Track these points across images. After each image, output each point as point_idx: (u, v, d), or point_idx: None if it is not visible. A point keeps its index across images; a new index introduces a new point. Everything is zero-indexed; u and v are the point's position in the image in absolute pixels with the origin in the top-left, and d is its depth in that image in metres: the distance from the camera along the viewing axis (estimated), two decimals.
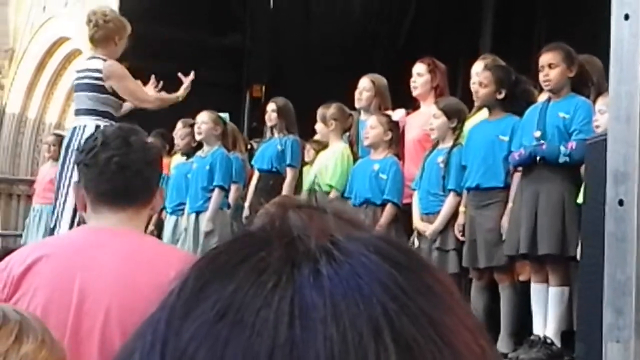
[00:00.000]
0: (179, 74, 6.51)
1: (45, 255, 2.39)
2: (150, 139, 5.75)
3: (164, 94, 6.23)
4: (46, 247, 2.54)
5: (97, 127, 5.77)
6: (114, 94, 5.85)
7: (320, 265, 0.48)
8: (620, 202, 2.71)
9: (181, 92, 6.44)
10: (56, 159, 9.39)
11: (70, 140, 5.86)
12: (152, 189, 2.56)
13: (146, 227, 8.39)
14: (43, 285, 2.33)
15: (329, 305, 0.46)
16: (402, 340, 0.46)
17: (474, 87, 5.96)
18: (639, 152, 2.66)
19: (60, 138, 9.87)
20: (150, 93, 6.13)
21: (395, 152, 6.62)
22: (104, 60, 5.87)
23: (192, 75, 6.54)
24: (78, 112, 5.99)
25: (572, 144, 5.10)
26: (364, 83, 6.97)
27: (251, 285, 0.48)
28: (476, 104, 6.07)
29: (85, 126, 5.79)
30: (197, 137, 7.83)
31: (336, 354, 0.45)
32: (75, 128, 5.92)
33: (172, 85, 6.56)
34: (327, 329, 0.45)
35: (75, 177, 3.43)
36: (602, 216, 2.76)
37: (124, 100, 5.97)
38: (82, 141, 5.65)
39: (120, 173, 2.46)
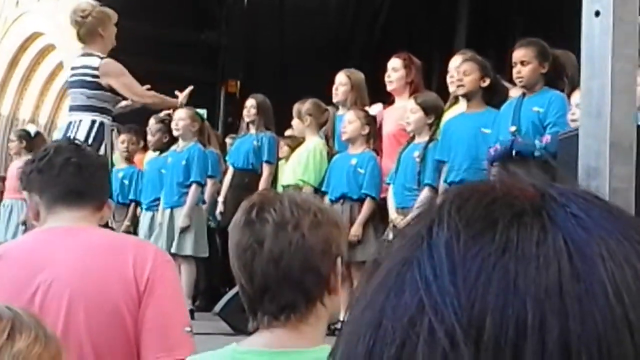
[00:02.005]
0: (176, 92, 6.53)
1: (1, 258, 2.43)
2: (108, 130, 5.80)
3: (163, 96, 6.23)
4: (1, 249, 2.60)
5: (93, 122, 5.77)
6: (111, 89, 5.85)
7: (571, 209, 0.52)
8: None
9: (181, 99, 6.46)
10: (20, 155, 9.37)
11: (65, 135, 5.84)
12: (105, 192, 2.63)
13: (121, 224, 8.37)
14: (1, 286, 2.36)
15: (601, 243, 0.50)
16: None
17: (452, 79, 5.95)
18: (609, 147, 2.68)
19: (23, 134, 9.84)
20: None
21: (373, 146, 6.64)
22: (101, 58, 5.86)
23: (189, 89, 6.55)
24: (73, 109, 5.98)
25: (547, 138, 5.14)
26: (340, 78, 6.99)
27: (518, 225, 0.51)
28: (453, 95, 6.07)
29: (81, 121, 5.80)
30: (175, 134, 7.81)
31: (620, 285, 0.49)
32: (70, 123, 5.91)
33: (146, 81, 6.55)
34: (605, 263, 0.49)
35: None
36: None
37: (121, 97, 5.96)
38: (77, 135, 5.66)
39: (78, 173, 2.50)
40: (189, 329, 2.40)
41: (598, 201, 0.54)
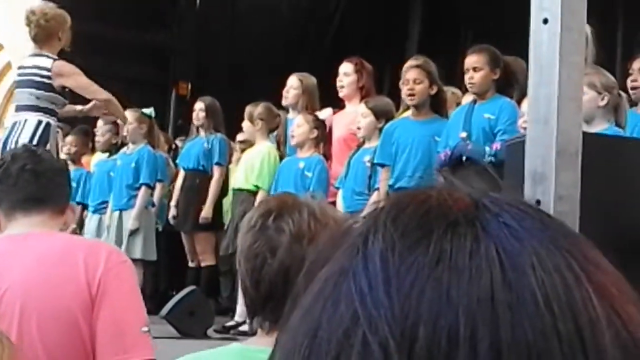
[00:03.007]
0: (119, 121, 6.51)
1: None
2: (54, 131, 5.74)
3: (116, 103, 6.16)
4: None
5: (39, 122, 5.71)
6: (61, 92, 5.79)
7: (504, 219, 0.52)
8: (538, 202, 2.75)
9: (127, 123, 6.44)
10: None
11: (9, 135, 5.78)
12: (65, 196, 2.61)
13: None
14: None
15: (532, 252, 0.51)
16: (596, 287, 0.51)
17: (405, 87, 5.98)
18: (555, 154, 2.71)
19: None
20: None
21: (322, 151, 6.64)
22: (53, 59, 5.81)
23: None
24: (19, 108, 5.92)
25: (497, 145, 5.17)
26: (292, 81, 6.98)
27: (452, 235, 0.51)
28: (408, 103, 6.08)
29: (26, 120, 5.73)
30: (126, 139, 7.75)
31: (549, 294, 0.49)
32: (15, 122, 5.84)
33: (97, 83, 6.49)
34: (536, 272, 0.50)
35: None
36: None
37: (80, 97, 5.92)
38: (22, 135, 5.60)
39: (34, 180, 2.50)
40: (146, 328, 2.35)
41: (531, 210, 0.54)
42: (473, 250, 0.51)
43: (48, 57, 5.85)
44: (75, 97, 6.12)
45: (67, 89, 5.90)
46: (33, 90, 5.80)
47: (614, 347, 0.49)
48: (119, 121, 6.72)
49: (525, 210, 0.54)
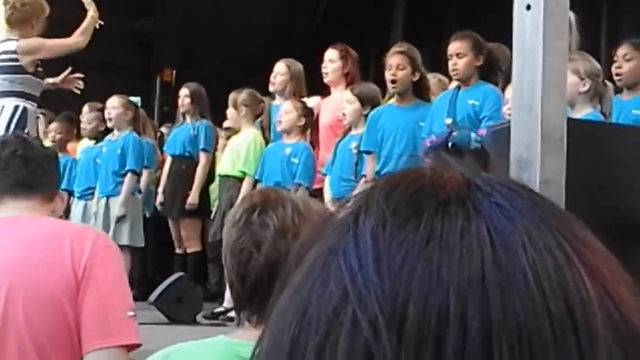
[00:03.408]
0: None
1: None
2: (32, 115, 5.70)
3: (82, 27, 6.10)
4: None
5: (16, 107, 5.69)
6: (33, 73, 5.76)
7: (495, 198, 0.52)
8: None
9: (90, 11, 6.31)
10: None
11: None
12: (54, 183, 2.62)
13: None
14: None
15: (523, 232, 0.51)
16: (587, 267, 0.51)
17: (389, 72, 5.99)
18: (540, 140, 2.74)
19: None
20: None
21: (309, 138, 6.66)
22: (16, 40, 5.78)
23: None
24: None
25: (483, 131, 5.17)
26: (279, 67, 6.98)
27: (443, 214, 0.51)
28: (390, 89, 6.10)
29: (3, 106, 5.70)
30: (109, 124, 7.73)
31: (540, 274, 0.49)
32: None
33: (81, 70, 6.48)
34: (527, 251, 0.50)
35: None
36: None
37: (45, 79, 5.88)
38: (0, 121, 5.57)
39: (25, 165, 2.52)
40: (132, 313, 2.36)
41: (522, 190, 0.55)
42: (464, 229, 0.51)
43: (13, 40, 5.81)
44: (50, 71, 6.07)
45: (40, 68, 5.87)
46: (5, 76, 5.77)
47: (605, 328, 0.49)
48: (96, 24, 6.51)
49: (517, 190, 0.54)
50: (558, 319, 0.49)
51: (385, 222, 0.52)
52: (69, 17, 6.15)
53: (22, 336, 2.28)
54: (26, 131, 5.50)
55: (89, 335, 2.30)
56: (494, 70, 5.55)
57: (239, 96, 7.13)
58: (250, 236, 1.77)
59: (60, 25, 6.09)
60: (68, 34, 6.10)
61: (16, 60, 5.73)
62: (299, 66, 7.02)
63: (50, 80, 6.07)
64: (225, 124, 7.80)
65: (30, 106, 5.80)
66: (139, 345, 2.38)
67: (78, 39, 5.97)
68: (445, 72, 5.99)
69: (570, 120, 2.88)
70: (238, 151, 7.02)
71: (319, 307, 0.50)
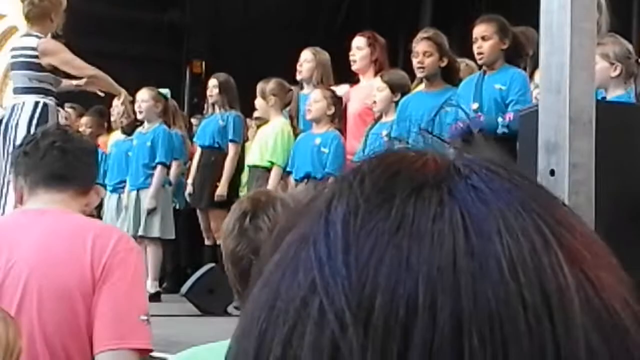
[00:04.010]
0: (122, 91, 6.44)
1: None
2: (53, 111, 5.73)
3: (107, 79, 6.13)
4: None
5: (37, 103, 5.73)
6: (52, 71, 5.80)
7: (472, 181, 0.50)
8: (552, 172, 2.74)
9: (122, 95, 6.37)
10: None
11: (10, 118, 5.80)
12: (91, 177, 2.62)
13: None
14: None
15: (499, 217, 0.48)
16: (567, 251, 0.48)
17: (415, 59, 5.95)
18: (569, 123, 2.69)
19: None
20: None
21: (337, 126, 6.63)
22: (38, 37, 5.81)
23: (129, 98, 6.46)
24: (16, 91, 5.94)
25: (510, 115, 5.13)
26: (305, 55, 6.96)
27: (416, 199, 0.49)
28: (418, 75, 6.06)
29: (24, 103, 5.75)
30: (139, 116, 7.75)
31: (515, 260, 0.47)
32: (14, 106, 5.86)
33: (111, 63, 6.49)
34: (502, 238, 0.47)
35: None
36: None
37: (64, 74, 5.91)
38: (20, 118, 5.62)
39: (62, 157, 2.51)
40: (145, 317, 2.34)
41: (502, 171, 0.51)
42: (436, 214, 0.48)
43: (34, 36, 5.84)
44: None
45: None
46: (25, 72, 5.81)
47: (583, 314, 0.47)
48: (117, 98, 6.63)
49: (496, 171, 0.51)
50: (532, 307, 0.46)
51: (357, 208, 0.49)
52: (88, 10, 6.15)
53: (33, 327, 2.29)
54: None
55: (100, 336, 2.30)
56: (520, 54, 5.48)
57: (267, 85, 7.11)
58: (246, 243, 1.78)
59: (81, 19, 6.09)
60: (87, 27, 6.10)
61: (36, 57, 5.77)
62: (325, 54, 6.99)
63: (74, 82, 6.09)
64: (256, 114, 7.79)
65: (50, 102, 5.83)
66: (150, 351, 2.37)
67: (92, 71, 5.98)
68: (473, 57, 5.93)
69: (599, 103, 2.83)
70: (266, 141, 7.00)
71: (287, 299, 0.48)
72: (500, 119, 5.17)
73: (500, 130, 5.13)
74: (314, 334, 0.47)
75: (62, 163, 2.51)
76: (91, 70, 5.96)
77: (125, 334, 2.30)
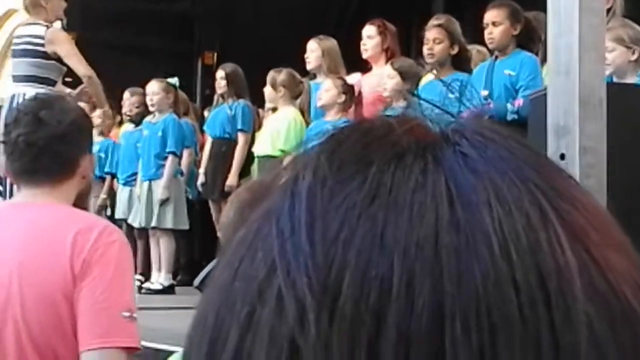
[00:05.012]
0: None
1: None
2: (70, 103, 5.69)
3: (96, 82, 6.10)
4: None
5: (61, 95, 5.72)
6: (57, 59, 5.80)
7: (462, 148, 0.44)
8: (562, 156, 2.69)
9: (104, 108, 6.36)
10: None
11: (9, 108, 5.78)
12: (69, 161, 2.46)
13: (98, 198, 8.25)
14: None
15: (490, 187, 0.42)
16: (568, 226, 0.43)
17: (426, 46, 5.89)
18: (579, 105, 2.63)
19: None
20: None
21: (349, 115, 6.58)
22: (46, 27, 5.82)
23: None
24: (16, 79, 5.93)
25: (519, 101, 5.07)
26: (310, 45, 6.93)
27: (396, 167, 0.43)
28: (427, 62, 6.01)
29: (24, 94, 5.72)
30: (151, 109, 7.73)
31: (507, 236, 0.41)
32: (13, 96, 5.83)
33: (123, 54, 6.48)
34: (492, 210, 0.41)
35: None
36: None
37: (66, 66, 5.91)
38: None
39: (27, 151, 2.40)
40: (127, 314, 2.25)
41: (497, 136, 0.45)
42: (418, 184, 0.42)
43: (41, 24, 5.86)
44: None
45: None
46: (30, 60, 5.82)
47: (586, 299, 0.41)
48: (98, 108, 6.66)
49: (491, 137, 0.45)
50: (526, 291, 0.40)
51: (325, 179, 0.43)
52: (100, 3, 6.14)
53: (20, 326, 2.22)
54: None
55: (83, 334, 2.21)
56: (532, 39, 5.41)
57: (278, 76, 7.07)
58: None
59: (92, 11, 6.07)
60: (98, 20, 6.10)
61: (42, 45, 5.77)
62: (330, 41, 6.95)
63: (67, 90, 6.10)
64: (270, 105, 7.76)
65: (51, 92, 5.82)
66: (137, 349, 2.27)
67: (90, 72, 5.97)
68: (485, 43, 5.87)
69: (609, 84, 2.77)
70: (278, 130, 6.96)
71: (245, 283, 0.42)
72: (509, 105, 5.11)
73: (509, 116, 5.07)
74: (270, 322, 0.41)
75: (27, 158, 2.40)
76: (86, 70, 5.95)
77: (107, 332, 2.20)
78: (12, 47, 6.11)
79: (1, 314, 2.22)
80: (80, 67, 5.90)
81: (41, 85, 5.75)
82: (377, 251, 0.40)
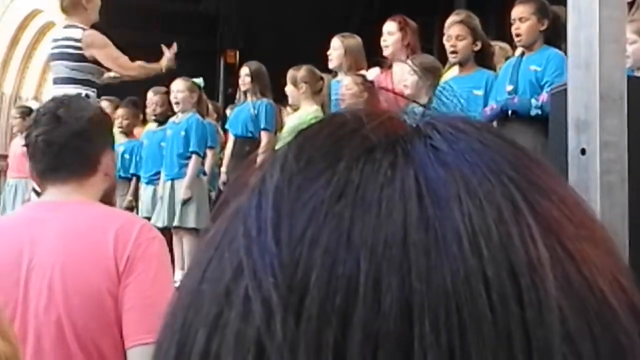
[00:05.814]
0: (162, 46, 6.46)
1: None
2: (93, 102, 5.73)
3: (146, 64, 6.17)
4: None
5: (79, 94, 5.74)
6: (95, 61, 5.81)
7: (433, 141, 0.43)
8: (583, 151, 2.65)
9: (164, 63, 6.38)
10: (23, 133, 9.28)
11: None
12: (90, 158, 2.48)
13: (124, 198, 8.28)
14: None
15: (460, 181, 0.41)
16: (542, 219, 0.42)
17: (449, 43, 5.86)
18: (599, 99, 2.59)
19: (25, 110, 9.77)
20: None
21: None
22: (83, 29, 5.83)
23: (174, 47, 6.49)
24: (56, 81, 5.96)
25: (544, 97, 5.02)
26: (334, 43, 6.92)
27: (365, 163, 0.42)
28: (451, 60, 5.97)
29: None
30: (175, 108, 7.74)
31: (477, 231, 0.40)
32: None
33: (147, 53, 6.47)
34: (462, 205, 0.41)
35: None
36: (565, 167, 2.70)
37: (105, 68, 5.93)
38: None
39: (47, 151, 2.43)
40: None
41: (470, 128, 0.44)
42: (386, 180, 0.41)
43: (78, 27, 5.88)
44: None
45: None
46: (68, 62, 5.84)
47: (560, 294, 0.40)
48: (162, 68, 6.60)
49: (463, 130, 0.44)
50: (497, 287, 0.39)
51: (291, 176, 0.42)
52: (123, 2, 6.15)
53: (64, 326, 2.24)
54: None
55: (129, 330, 2.25)
56: (560, 35, 5.34)
57: (298, 73, 7.06)
58: None
59: (116, 11, 6.09)
60: (122, 19, 6.12)
61: (80, 48, 5.78)
62: (354, 39, 6.92)
63: (111, 74, 6.11)
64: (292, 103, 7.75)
65: (92, 93, 5.84)
66: None
67: (136, 69, 6.01)
68: (511, 39, 5.82)
69: (630, 78, 2.73)
70: (300, 128, 6.94)
71: (212, 285, 0.41)
72: (534, 101, 5.06)
73: (533, 112, 5.02)
74: (237, 325, 0.39)
75: (48, 157, 2.42)
76: (133, 69, 5.97)
77: (155, 327, 2.23)
78: (50, 50, 6.13)
79: (44, 313, 2.23)
80: (123, 70, 5.93)
81: (80, 86, 5.78)
82: (344, 250, 0.40)
